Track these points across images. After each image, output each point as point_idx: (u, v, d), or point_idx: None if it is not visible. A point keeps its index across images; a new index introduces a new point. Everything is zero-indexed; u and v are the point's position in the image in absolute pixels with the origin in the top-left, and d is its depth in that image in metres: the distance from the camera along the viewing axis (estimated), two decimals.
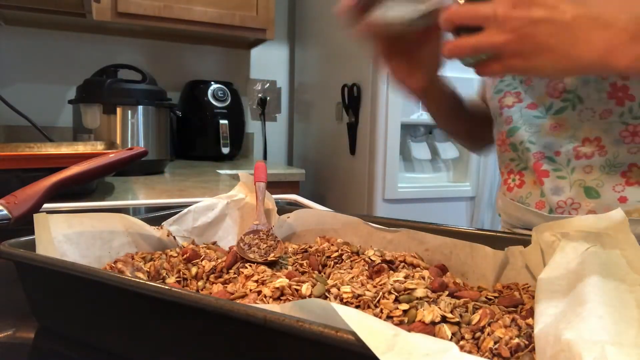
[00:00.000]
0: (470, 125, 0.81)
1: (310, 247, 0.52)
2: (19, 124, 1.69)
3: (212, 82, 2.03)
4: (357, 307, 0.38)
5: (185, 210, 0.56)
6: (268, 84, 2.29)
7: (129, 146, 1.28)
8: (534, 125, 0.65)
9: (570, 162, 0.62)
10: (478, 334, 0.33)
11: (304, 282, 0.41)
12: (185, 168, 1.78)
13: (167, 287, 0.32)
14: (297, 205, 0.92)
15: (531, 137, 0.65)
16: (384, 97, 1.65)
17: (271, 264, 0.48)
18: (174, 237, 0.54)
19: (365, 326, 0.24)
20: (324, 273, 0.47)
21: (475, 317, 0.34)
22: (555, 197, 0.63)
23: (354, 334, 0.24)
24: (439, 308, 0.35)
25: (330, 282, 0.42)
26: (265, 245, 0.50)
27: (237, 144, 2.08)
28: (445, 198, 1.82)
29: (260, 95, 2.28)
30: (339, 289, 0.40)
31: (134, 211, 0.96)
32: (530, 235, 0.42)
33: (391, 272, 0.44)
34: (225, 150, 1.98)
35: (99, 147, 1.27)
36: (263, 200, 0.58)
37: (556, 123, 0.63)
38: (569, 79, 0.61)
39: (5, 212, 0.56)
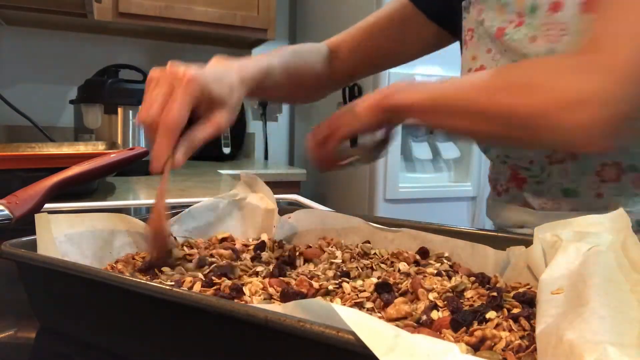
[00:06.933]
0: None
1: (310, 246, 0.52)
2: (20, 124, 1.70)
3: None
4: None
5: (186, 210, 0.56)
6: None
7: (130, 146, 1.28)
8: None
9: (545, 169, 0.63)
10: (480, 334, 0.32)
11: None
12: (186, 168, 1.78)
13: (167, 287, 0.32)
14: (298, 205, 0.92)
15: (508, 152, 0.66)
16: None
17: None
18: (175, 238, 0.54)
19: (366, 327, 0.24)
20: None
21: None
22: (536, 200, 0.65)
23: (355, 334, 0.24)
24: None
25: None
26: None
27: (238, 144, 2.08)
28: (446, 198, 1.81)
29: None
30: None
31: (135, 211, 0.96)
32: (531, 236, 0.42)
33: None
34: (227, 151, 1.98)
35: (100, 147, 1.27)
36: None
37: None
38: None
39: (6, 212, 0.56)
